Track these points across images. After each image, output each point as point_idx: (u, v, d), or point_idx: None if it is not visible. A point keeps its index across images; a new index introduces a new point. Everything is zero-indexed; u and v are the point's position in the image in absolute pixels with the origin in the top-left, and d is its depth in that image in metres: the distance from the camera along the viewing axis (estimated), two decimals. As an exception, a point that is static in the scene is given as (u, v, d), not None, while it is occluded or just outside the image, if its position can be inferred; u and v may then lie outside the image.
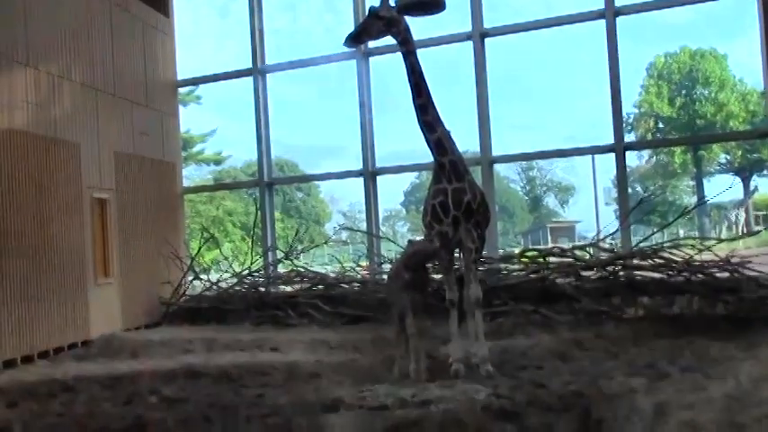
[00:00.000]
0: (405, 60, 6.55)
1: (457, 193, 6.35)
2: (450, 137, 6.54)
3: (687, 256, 9.33)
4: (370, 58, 12.19)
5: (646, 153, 49.84)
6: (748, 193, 48.01)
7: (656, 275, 9.35)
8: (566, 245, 15.01)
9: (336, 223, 55.22)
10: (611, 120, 10.79)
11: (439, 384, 5.91)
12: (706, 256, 9.42)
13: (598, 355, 7.11)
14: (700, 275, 9.07)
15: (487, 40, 11.54)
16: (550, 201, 68.00)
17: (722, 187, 50.95)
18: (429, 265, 7.07)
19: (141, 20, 12.38)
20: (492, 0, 11.97)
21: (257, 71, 12.98)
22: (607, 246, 10.38)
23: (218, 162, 45.34)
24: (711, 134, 43.51)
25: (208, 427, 5.13)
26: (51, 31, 10.04)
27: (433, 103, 6.50)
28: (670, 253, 9.43)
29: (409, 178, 63.83)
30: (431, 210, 6.43)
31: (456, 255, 6.84)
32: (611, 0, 10.64)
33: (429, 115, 6.47)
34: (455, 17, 10.95)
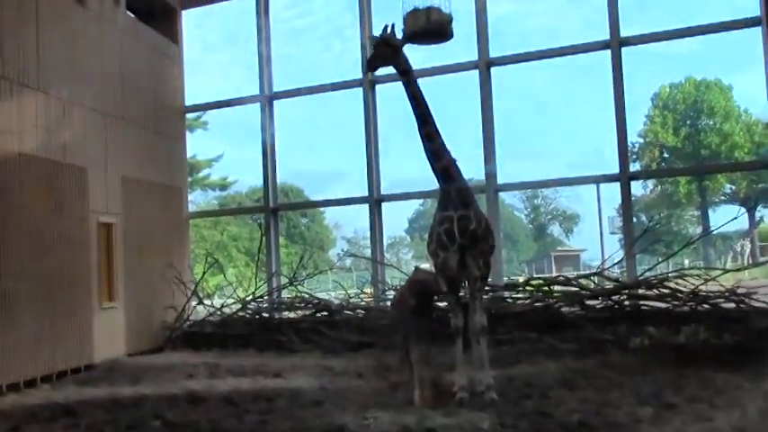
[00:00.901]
0: (407, 90, 6.63)
1: (463, 221, 6.37)
2: (456, 165, 6.58)
3: (692, 287, 9.30)
4: (377, 86, 12.26)
5: (651, 183, 49.86)
6: (753, 223, 47.89)
7: (662, 305, 9.31)
8: (570, 273, 14.95)
9: (341, 249, 55.17)
10: (617, 149, 10.82)
11: (443, 412, 5.88)
12: (711, 286, 9.39)
13: (603, 384, 7.06)
14: (705, 306, 9.04)
15: (493, 69, 11.62)
16: (555, 229, 67.93)
17: (727, 217, 50.81)
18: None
19: (151, 46, 12.52)
20: (498, 29, 12.08)
21: (265, 98, 13.08)
22: (612, 275, 10.35)
23: (223, 187, 45.53)
24: (716, 164, 43.57)
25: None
26: (62, 56, 10.16)
27: (438, 131, 6.56)
28: (675, 283, 9.41)
29: (414, 205, 63.94)
30: (436, 237, 6.45)
31: (461, 282, 6.84)
32: (617, 30, 10.73)
33: (435, 144, 6.53)
34: (462, 46, 11.09)
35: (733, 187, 48.42)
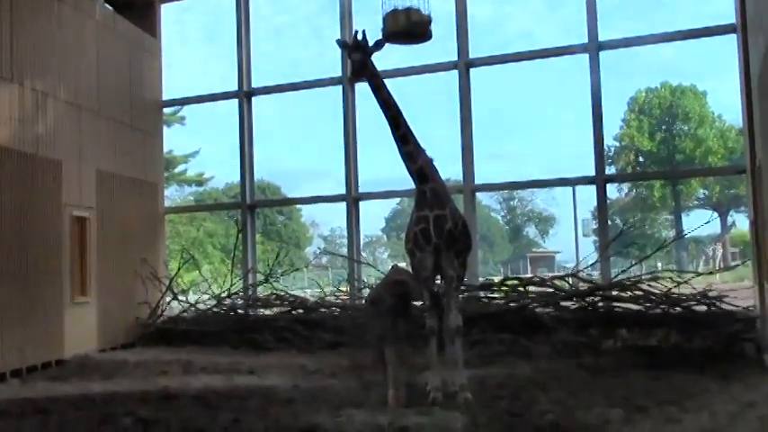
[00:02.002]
0: (376, 96, 6.63)
1: (439, 221, 6.39)
2: (432, 165, 6.60)
3: (665, 289, 9.41)
4: (356, 84, 12.24)
5: (626, 186, 50.34)
6: (725, 228, 48.57)
7: (635, 307, 9.42)
8: (545, 274, 15.06)
9: (317, 247, 55.06)
10: (593, 152, 10.90)
11: (416, 411, 5.90)
12: (684, 289, 9.51)
13: (575, 386, 7.12)
14: (677, 308, 9.15)
15: (472, 71, 11.65)
16: (531, 231, 68.37)
17: (700, 222, 51.55)
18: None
19: (128, 39, 12.39)
20: (477, 31, 12.12)
21: (243, 94, 13.01)
22: (586, 276, 10.43)
23: (199, 183, 45.20)
24: (690, 169, 44.07)
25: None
26: (37, 47, 10.03)
27: (411, 132, 6.59)
28: (649, 285, 9.51)
29: (391, 205, 64.08)
30: (412, 237, 6.48)
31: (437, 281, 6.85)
32: (595, 34, 10.81)
33: (409, 145, 6.56)
34: (440, 47, 11.09)
35: (706, 192, 49.10)
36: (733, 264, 34.30)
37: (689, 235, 43.82)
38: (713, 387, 6.85)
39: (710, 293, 9.16)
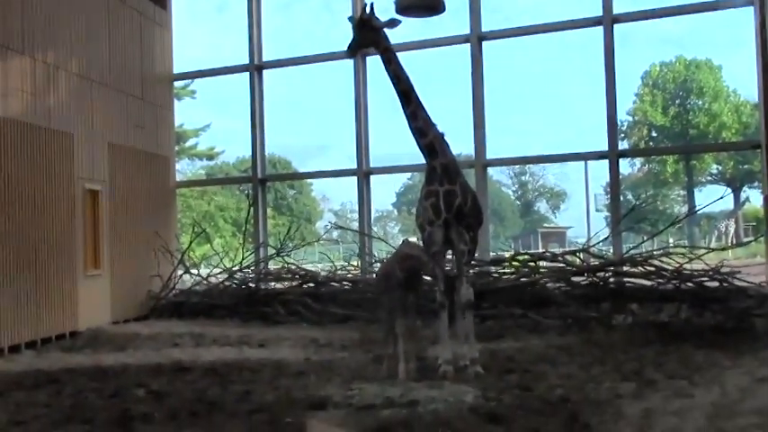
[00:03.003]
0: (387, 69, 6.60)
1: (448, 196, 6.38)
2: (443, 140, 6.57)
3: (677, 265, 9.37)
4: (367, 58, 12.15)
5: (638, 161, 50.00)
6: (738, 204, 48.25)
7: (646, 283, 9.39)
8: (556, 250, 15.03)
9: (328, 221, 55.21)
10: (606, 127, 10.81)
11: (427, 385, 5.92)
12: (696, 265, 9.47)
13: (586, 360, 7.12)
14: (689, 284, 9.11)
15: (484, 44, 11.54)
16: (542, 206, 68.24)
17: (713, 197, 51.19)
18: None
19: (139, 11, 12.33)
20: (489, 4, 11.97)
21: (254, 67, 12.95)
22: (598, 252, 10.41)
23: (210, 157, 45.29)
24: (704, 144, 43.67)
25: (194, 422, 5.11)
26: (48, 20, 10.00)
27: (422, 107, 6.55)
28: (660, 261, 9.47)
29: (402, 179, 63.94)
30: (422, 212, 6.46)
31: (447, 256, 6.85)
32: (610, 7, 10.66)
33: (419, 120, 6.53)
34: (453, 20, 11.00)
35: (720, 168, 48.70)
36: (746, 240, 34.17)
37: (702, 211, 43.65)
38: (724, 362, 6.82)
39: (723, 269, 9.11)
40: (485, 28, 11.50)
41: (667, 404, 5.25)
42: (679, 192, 51.79)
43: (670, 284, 9.24)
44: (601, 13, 10.76)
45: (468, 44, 11.42)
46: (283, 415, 5.09)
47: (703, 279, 9.10)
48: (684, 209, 49.99)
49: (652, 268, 9.41)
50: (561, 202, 66.29)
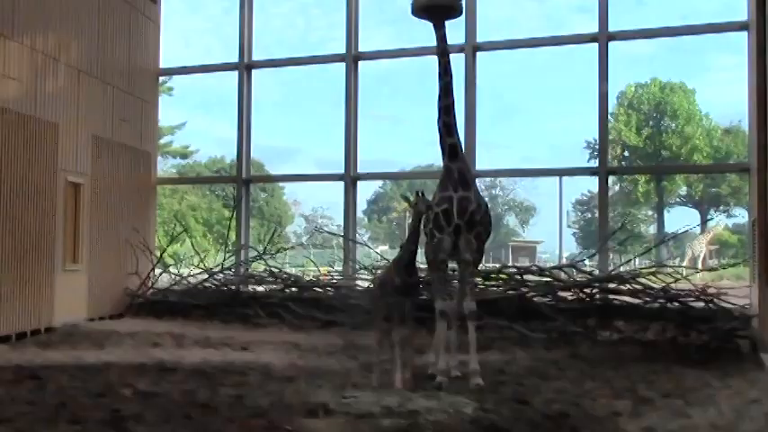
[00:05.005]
0: (440, 60, 6.67)
1: (462, 202, 6.33)
2: (461, 145, 6.61)
3: (663, 284, 9.43)
4: (360, 63, 12.07)
5: (610, 180, 50.41)
6: (706, 226, 48.99)
7: (632, 300, 9.43)
8: (543, 264, 15.08)
9: (298, 226, 55.01)
10: (598, 143, 10.86)
11: (423, 395, 5.83)
12: (681, 284, 9.55)
13: (575, 375, 7.10)
14: (675, 303, 9.17)
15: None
16: (511, 220, 68.56)
17: (681, 219, 51.83)
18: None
19: (129, 3, 12.10)
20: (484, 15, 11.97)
21: (243, 66, 12.78)
22: (584, 268, 10.43)
23: (184, 156, 44.76)
24: (692, 165, 43.32)
25: (189, 425, 4.95)
26: (40, 7, 9.76)
27: (454, 106, 6.60)
28: (647, 279, 9.52)
29: (373, 187, 63.84)
30: (433, 217, 6.37)
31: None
32: (605, 24, 10.70)
33: (451, 116, 6.57)
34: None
35: (688, 190, 49.43)
36: (710, 263, 34.71)
37: (670, 230, 44.11)
38: (713, 382, 6.83)
39: (709, 290, 9.19)
40: (480, 39, 11.47)
41: (667, 423, 5.22)
42: (646, 212, 52.38)
43: (656, 303, 9.28)
44: (597, 30, 10.79)
45: (463, 54, 11.37)
46: (282, 421, 4.96)
47: (689, 299, 9.16)
48: (651, 229, 50.64)
49: (639, 286, 9.45)
50: (530, 216, 66.72)
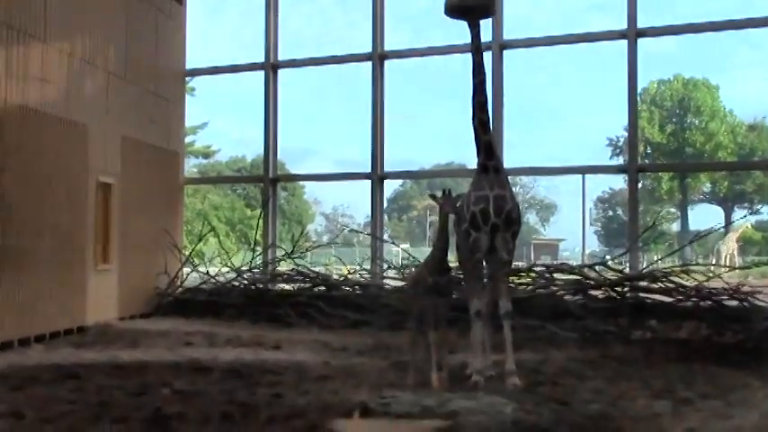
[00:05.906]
0: (474, 57, 6.64)
1: (498, 201, 6.30)
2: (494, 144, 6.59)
3: (696, 282, 9.34)
4: (386, 62, 12.06)
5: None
6: (731, 224, 48.47)
7: (664, 299, 9.34)
8: (573, 262, 14.99)
9: (344, 225, 55.18)
10: (627, 141, 10.80)
11: (462, 395, 5.81)
12: (713, 283, 9.45)
13: (610, 375, 7.03)
14: (708, 302, 9.07)
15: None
16: (531, 218, 68.36)
17: (705, 216, 51.35)
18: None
19: (155, 5, 12.18)
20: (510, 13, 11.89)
21: (269, 66, 12.81)
22: (615, 266, 10.35)
23: (206, 155, 45.06)
24: (726, 162, 42.86)
25: (230, 425, 4.97)
26: (69, 9, 9.84)
27: (488, 103, 6.59)
28: (679, 277, 9.43)
29: (393, 186, 63.92)
30: (470, 217, 6.34)
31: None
32: (634, 21, 10.60)
33: (485, 114, 6.52)
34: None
35: (712, 187, 48.97)
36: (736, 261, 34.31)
37: (693, 228, 43.71)
38: (752, 382, 6.73)
39: (743, 289, 9.08)
40: (506, 36, 11.41)
41: (709, 425, 5.16)
42: (668, 209, 51.98)
43: (689, 302, 9.19)
44: (625, 26, 10.69)
45: (490, 52, 11.32)
46: (323, 421, 4.96)
47: (723, 297, 9.06)
48: (674, 226, 50.21)
49: (672, 285, 9.36)
50: (551, 214, 66.52)
